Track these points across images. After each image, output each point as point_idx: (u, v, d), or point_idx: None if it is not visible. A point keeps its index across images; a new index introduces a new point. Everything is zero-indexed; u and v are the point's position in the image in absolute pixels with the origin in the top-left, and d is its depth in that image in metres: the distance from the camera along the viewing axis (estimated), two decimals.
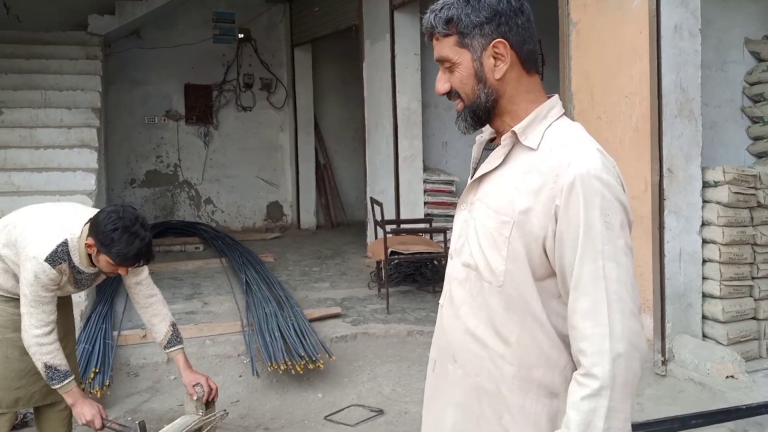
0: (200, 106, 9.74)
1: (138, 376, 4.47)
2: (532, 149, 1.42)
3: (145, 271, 3.02)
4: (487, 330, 1.46)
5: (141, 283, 3.02)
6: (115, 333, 4.82)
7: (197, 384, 3.00)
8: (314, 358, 4.34)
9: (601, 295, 1.32)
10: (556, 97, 1.49)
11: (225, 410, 3.15)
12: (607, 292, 1.32)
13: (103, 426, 2.88)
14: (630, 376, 1.32)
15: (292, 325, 4.81)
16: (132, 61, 9.26)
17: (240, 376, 4.52)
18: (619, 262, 1.34)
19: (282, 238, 9.45)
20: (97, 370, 4.17)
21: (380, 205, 6.47)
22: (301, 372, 4.29)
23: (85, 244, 2.70)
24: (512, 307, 1.43)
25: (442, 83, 1.49)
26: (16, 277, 2.84)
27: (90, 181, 6.19)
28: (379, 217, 6.39)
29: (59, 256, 2.69)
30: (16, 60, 7.59)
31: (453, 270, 1.56)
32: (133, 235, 2.61)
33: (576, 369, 1.38)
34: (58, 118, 6.98)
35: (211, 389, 3.01)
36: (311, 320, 5.13)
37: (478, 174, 1.51)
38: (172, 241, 8.55)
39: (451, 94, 1.49)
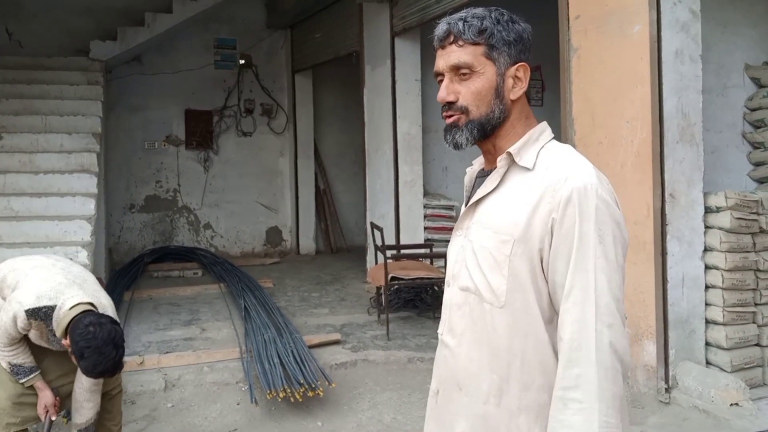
0: (200, 132, 9.76)
1: (135, 404, 4.40)
2: (527, 169, 1.44)
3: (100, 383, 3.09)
4: (491, 354, 1.44)
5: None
6: None
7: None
8: (313, 386, 4.29)
9: (590, 307, 1.33)
10: (545, 123, 1.53)
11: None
12: (596, 305, 1.33)
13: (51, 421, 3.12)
14: (618, 390, 1.32)
15: (291, 351, 4.75)
16: (133, 86, 9.30)
17: (238, 404, 4.46)
18: (611, 275, 1.35)
19: (281, 263, 9.41)
20: None
21: (380, 230, 6.44)
22: (300, 399, 4.23)
23: (63, 340, 2.83)
24: (516, 328, 1.41)
25: (448, 92, 1.47)
26: None
27: (89, 207, 6.18)
28: (379, 242, 6.36)
29: (40, 315, 2.86)
30: (17, 85, 7.62)
31: (451, 296, 1.54)
32: (102, 355, 2.74)
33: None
34: (58, 143, 6.98)
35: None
36: (310, 347, 5.07)
37: (474, 198, 1.52)
38: (171, 266, 8.51)
39: (454, 105, 1.47)
